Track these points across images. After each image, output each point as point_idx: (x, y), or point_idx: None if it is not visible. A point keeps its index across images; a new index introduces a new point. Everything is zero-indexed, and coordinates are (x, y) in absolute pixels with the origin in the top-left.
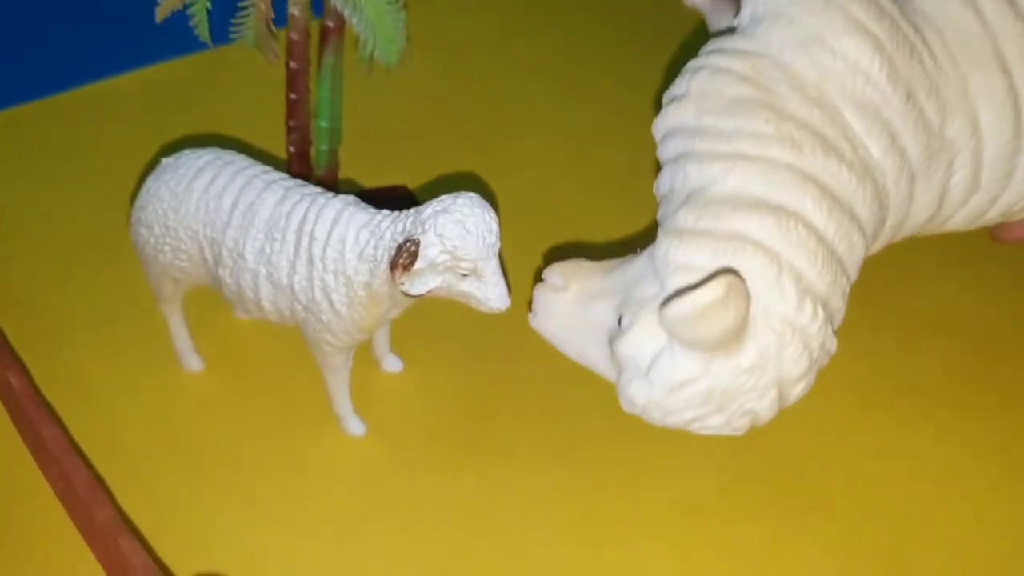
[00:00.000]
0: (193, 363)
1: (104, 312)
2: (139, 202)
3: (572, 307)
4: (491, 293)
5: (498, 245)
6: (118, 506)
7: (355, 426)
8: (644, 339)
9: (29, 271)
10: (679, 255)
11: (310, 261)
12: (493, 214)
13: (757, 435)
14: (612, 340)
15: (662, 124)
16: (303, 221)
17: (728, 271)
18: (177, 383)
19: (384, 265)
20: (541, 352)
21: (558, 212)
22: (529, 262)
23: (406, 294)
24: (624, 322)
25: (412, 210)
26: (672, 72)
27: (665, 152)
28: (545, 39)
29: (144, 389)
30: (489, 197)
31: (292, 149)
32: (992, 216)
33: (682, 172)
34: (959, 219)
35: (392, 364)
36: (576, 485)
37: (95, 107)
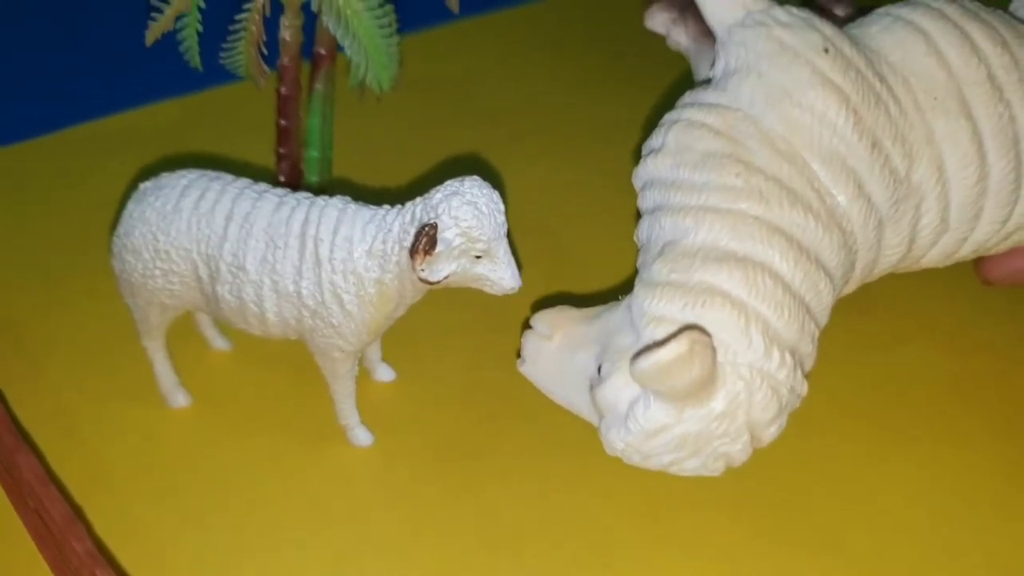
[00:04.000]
0: (180, 399)
1: (87, 347)
2: (122, 228)
3: (557, 355)
4: (504, 273)
5: (506, 225)
6: (96, 538)
7: (363, 436)
8: (621, 388)
9: (10, 302)
10: (653, 306)
11: (317, 264)
12: (498, 195)
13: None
14: (593, 388)
15: (641, 175)
16: (305, 224)
17: (693, 327)
18: (163, 416)
19: (395, 259)
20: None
21: (555, 239)
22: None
23: (425, 281)
24: (603, 371)
25: (418, 199)
26: (653, 121)
27: (644, 202)
28: (542, 74)
29: (129, 423)
30: (490, 179)
31: (282, 178)
32: (965, 253)
33: (658, 224)
34: (931, 258)
35: (385, 373)
36: (576, 493)
37: (82, 147)
